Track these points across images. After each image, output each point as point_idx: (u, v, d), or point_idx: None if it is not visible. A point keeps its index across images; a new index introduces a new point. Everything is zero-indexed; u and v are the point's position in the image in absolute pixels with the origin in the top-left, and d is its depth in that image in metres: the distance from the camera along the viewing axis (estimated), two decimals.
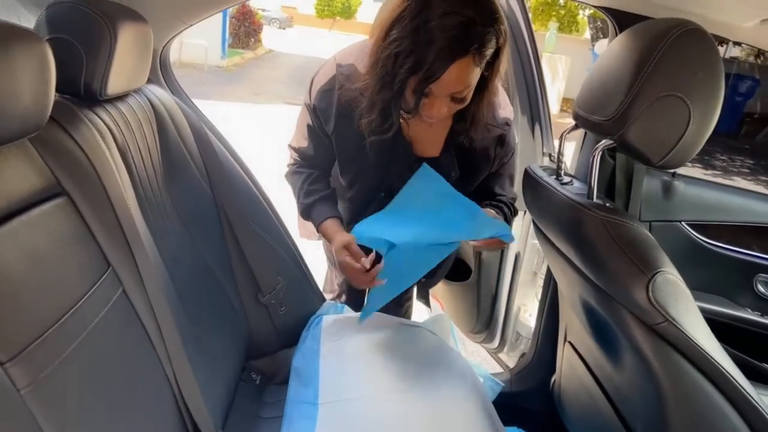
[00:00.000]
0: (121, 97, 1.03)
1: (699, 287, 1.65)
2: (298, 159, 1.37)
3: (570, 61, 9.95)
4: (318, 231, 1.34)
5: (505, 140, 1.32)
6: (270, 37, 17.22)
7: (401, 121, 1.24)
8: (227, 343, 1.21)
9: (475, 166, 1.33)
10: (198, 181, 1.24)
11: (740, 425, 0.96)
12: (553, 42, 10.27)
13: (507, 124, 1.31)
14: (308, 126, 1.31)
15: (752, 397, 0.94)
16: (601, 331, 1.13)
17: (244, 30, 14.52)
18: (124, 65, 0.95)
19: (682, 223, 1.64)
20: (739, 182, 7.73)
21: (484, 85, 1.16)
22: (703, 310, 1.58)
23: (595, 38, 11.81)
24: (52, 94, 0.69)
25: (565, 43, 10.91)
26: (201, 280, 1.16)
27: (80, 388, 0.69)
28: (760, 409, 0.95)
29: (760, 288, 1.67)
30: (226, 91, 8.94)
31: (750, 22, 1.18)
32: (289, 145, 1.39)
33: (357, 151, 1.26)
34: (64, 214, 0.76)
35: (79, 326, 0.70)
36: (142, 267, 0.86)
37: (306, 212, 1.35)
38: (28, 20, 1.20)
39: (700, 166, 8.34)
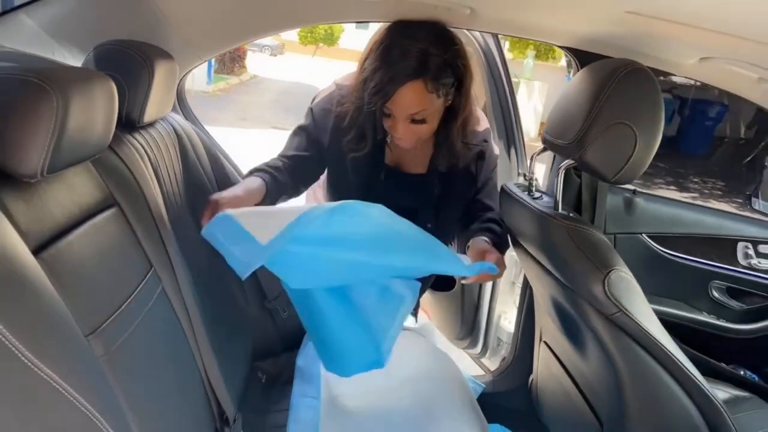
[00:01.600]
0: (151, 124, 1.18)
1: (660, 293, 1.82)
2: (280, 156, 1.40)
3: (547, 88, 10.29)
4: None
5: (485, 155, 1.45)
6: (254, 62, 17.47)
7: (386, 142, 1.39)
8: (239, 343, 1.35)
9: (460, 183, 1.46)
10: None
11: (687, 402, 1.11)
12: (530, 69, 10.61)
13: (485, 140, 1.44)
14: (300, 140, 1.41)
15: (696, 378, 1.10)
16: (569, 325, 1.29)
17: (229, 56, 14.71)
18: (157, 97, 1.11)
19: (643, 235, 1.81)
20: (713, 204, 7.99)
21: (452, 114, 1.31)
22: (664, 314, 1.76)
23: (570, 66, 12.19)
24: (114, 123, 0.84)
25: (542, 70, 11.27)
26: (216, 286, 1.30)
27: (137, 365, 0.83)
28: (703, 387, 1.10)
29: (715, 293, 1.83)
30: (213, 116, 9.06)
31: (691, 59, 1.37)
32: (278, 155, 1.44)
33: (343, 167, 1.40)
34: (117, 221, 0.91)
35: (134, 315, 0.85)
36: (176, 269, 1.01)
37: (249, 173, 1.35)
38: (63, 56, 1.36)
39: (675, 188, 8.64)
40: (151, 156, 1.10)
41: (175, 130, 1.28)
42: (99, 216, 0.85)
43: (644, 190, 1.83)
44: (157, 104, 1.13)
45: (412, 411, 1.29)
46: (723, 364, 1.77)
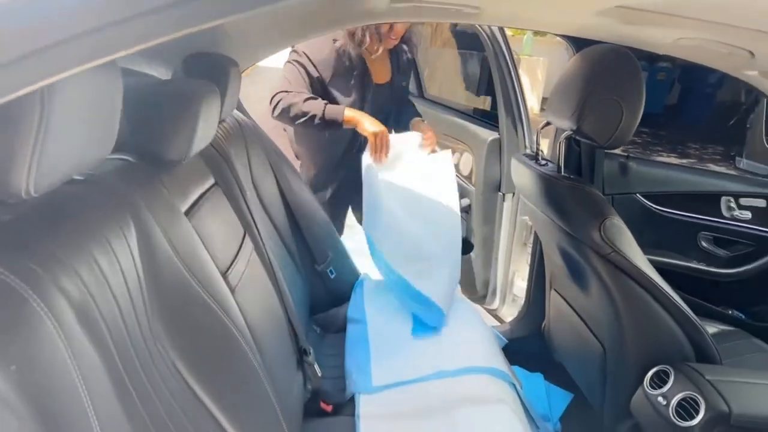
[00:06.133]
0: (224, 119, 1.44)
1: (655, 246, 2.07)
2: (290, 91, 1.88)
3: (547, 63, 10.40)
4: (342, 121, 1.83)
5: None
6: None
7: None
8: (305, 294, 1.62)
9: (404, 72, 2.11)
10: (272, 178, 1.66)
11: (673, 324, 1.36)
12: (530, 45, 10.71)
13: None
14: (301, 76, 1.89)
15: (677, 302, 1.35)
16: (574, 267, 1.55)
17: None
18: (230, 97, 1.37)
19: (637, 194, 2.06)
20: (712, 168, 8.11)
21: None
22: (660, 263, 2.00)
23: (568, 48, 12.16)
24: (218, 121, 1.10)
25: (541, 45, 11.34)
26: (280, 251, 1.57)
27: (250, 304, 1.10)
28: (685, 312, 1.34)
29: (703, 243, 2.06)
30: None
31: (669, 40, 1.60)
32: (278, 92, 1.89)
33: (346, 86, 1.92)
34: (220, 196, 1.17)
35: (242, 265, 1.12)
36: (261, 234, 1.28)
37: (324, 111, 1.82)
38: (149, 68, 1.60)
39: (675, 155, 8.80)
40: (230, 145, 1.36)
41: (239, 123, 1.54)
42: (210, 192, 1.12)
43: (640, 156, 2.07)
44: (230, 103, 1.38)
45: (446, 346, 1.55)
46: (713, 306, 2.02)
